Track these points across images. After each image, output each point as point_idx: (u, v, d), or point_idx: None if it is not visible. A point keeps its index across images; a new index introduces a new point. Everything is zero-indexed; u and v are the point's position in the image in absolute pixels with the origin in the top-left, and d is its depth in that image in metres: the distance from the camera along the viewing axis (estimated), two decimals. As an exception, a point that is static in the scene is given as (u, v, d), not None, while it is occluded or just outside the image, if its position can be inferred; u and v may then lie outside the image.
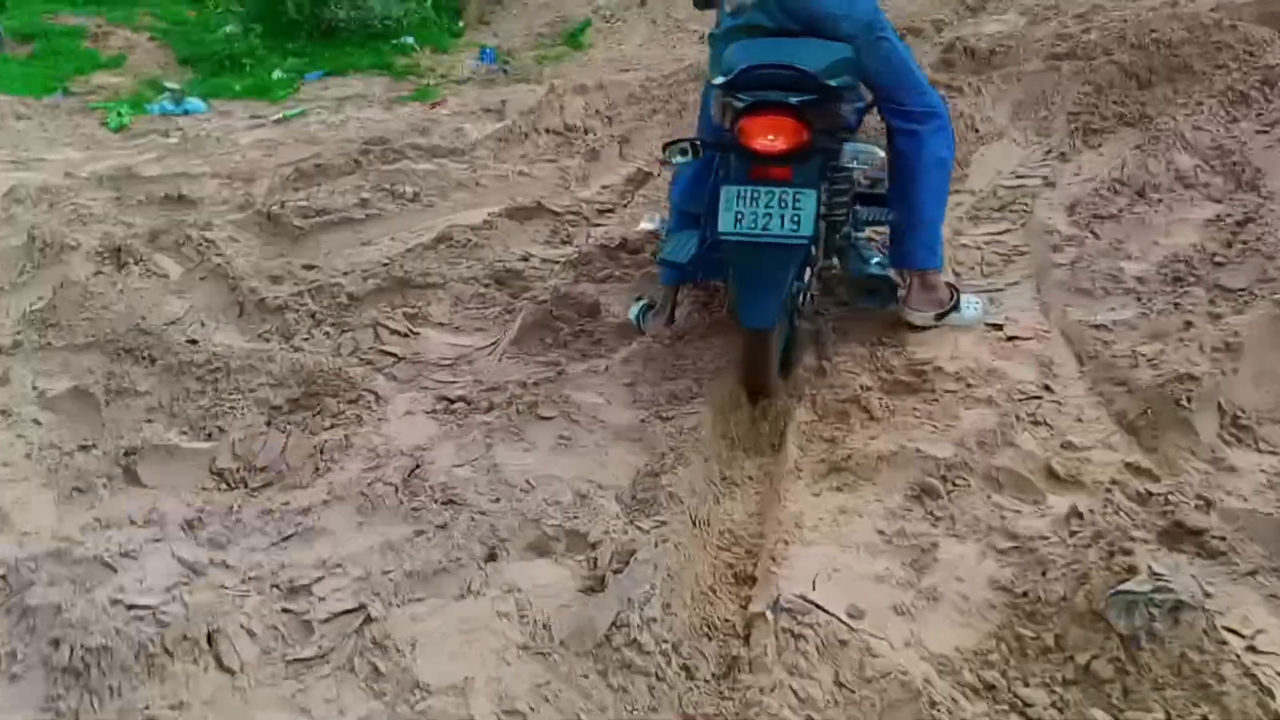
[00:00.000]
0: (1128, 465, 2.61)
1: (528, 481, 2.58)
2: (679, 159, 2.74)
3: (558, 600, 2.18)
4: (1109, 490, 2.46)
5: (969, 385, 2.91)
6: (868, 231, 3.47)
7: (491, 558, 2.34)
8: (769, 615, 2.10)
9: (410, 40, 9.63)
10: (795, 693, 1.92)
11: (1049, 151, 4.54)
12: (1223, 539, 2.18)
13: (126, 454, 2.76)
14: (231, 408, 2.94)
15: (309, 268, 3.95)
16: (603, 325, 3.43)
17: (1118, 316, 3.23)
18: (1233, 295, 3.24)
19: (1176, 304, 3.25)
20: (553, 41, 9.53)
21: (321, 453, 2.76)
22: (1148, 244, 3.67)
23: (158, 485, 2.69)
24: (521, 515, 2.44)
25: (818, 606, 2.10)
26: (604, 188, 5.12)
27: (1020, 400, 2.85)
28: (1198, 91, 4.44)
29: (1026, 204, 4.11)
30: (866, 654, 1.98)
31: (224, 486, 2.69)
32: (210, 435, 2.85)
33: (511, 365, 3.26)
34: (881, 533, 2.40)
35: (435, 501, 2.52)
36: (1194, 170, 4.07)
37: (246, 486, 2.68)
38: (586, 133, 5.89)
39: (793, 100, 2.57)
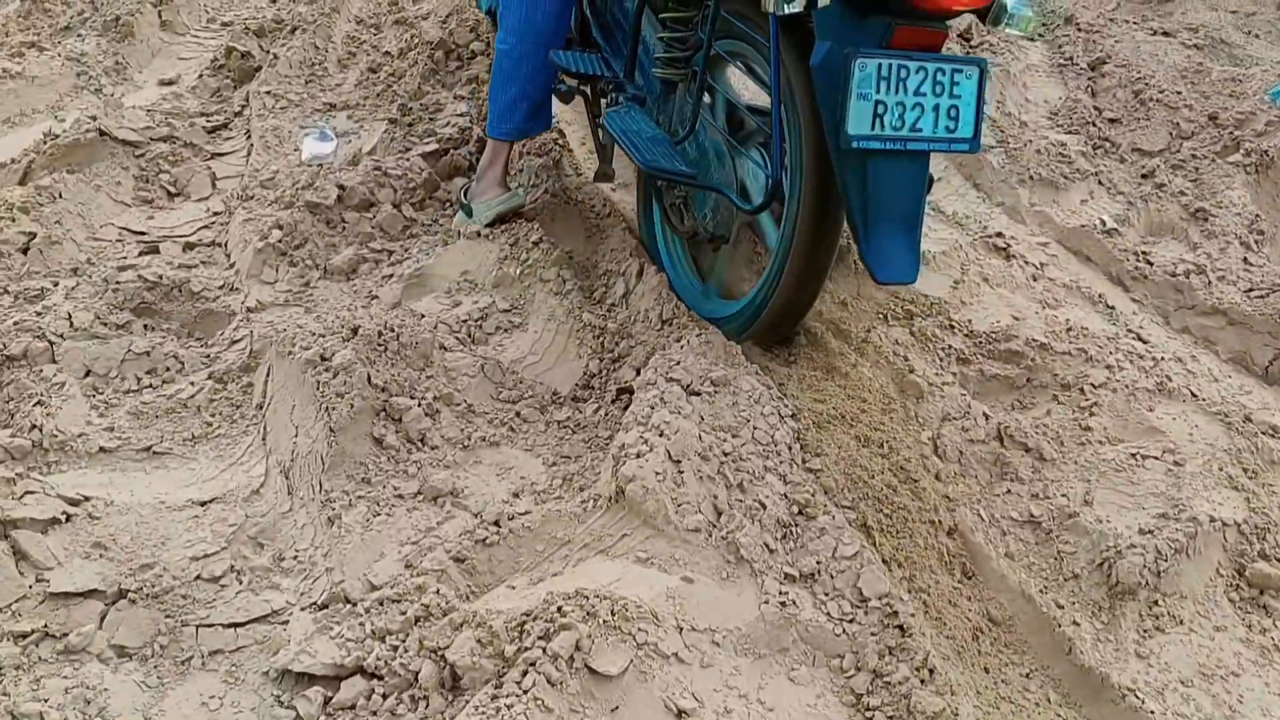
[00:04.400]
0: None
1: None
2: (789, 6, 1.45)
3: None
4: None
5: (1092, 361, 1.99)
6: None
7: None
8: None
9: None
10: None
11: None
12: None
13: None
14: None
15: None
16: (460, 376, 1.83)
17: (1112, 213, 2.52)
18: (1171, 160, 2.70)
19: (1140, 183, 2.62)
20: None
21: None
22: (1022, 100, 2.98)
23: None
24: None
25: None
26: (167, 84, 3.07)
27: (1150, 368, 2.01)
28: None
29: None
30: None
31: None
32: None
33: (374, 537, 1.56)
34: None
35: None
36: None
37: None
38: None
39: None
